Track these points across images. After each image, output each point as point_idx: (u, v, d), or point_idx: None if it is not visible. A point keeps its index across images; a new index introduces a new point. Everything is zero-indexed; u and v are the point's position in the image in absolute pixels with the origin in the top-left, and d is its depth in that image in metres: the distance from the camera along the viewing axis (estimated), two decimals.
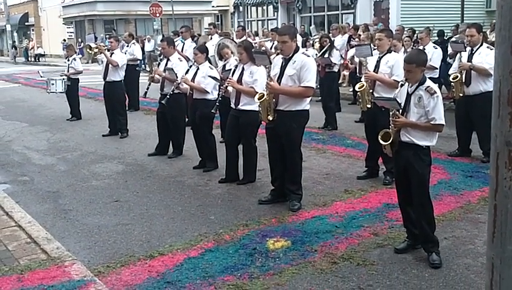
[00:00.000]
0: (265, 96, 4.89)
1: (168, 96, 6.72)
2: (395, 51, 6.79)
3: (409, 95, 3.81)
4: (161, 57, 7.35)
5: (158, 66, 7.23)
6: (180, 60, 7.25)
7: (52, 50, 36.82)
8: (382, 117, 5.25)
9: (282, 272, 3.72)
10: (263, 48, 10.41)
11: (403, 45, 7.11)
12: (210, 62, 6.66)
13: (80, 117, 10.58)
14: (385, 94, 5.26)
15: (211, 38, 10.69)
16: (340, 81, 11.81)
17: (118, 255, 4.08)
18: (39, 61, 33.76)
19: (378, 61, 5.65)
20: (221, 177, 5.98)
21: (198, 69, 6.38)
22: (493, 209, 1.64)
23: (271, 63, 5.06)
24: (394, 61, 5.54)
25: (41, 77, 11.92)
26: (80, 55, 18.70)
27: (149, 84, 7.49)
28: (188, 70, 6.59)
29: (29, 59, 35.30)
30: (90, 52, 9.03)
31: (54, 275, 3.58)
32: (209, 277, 3.68)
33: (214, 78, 6.13)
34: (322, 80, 9.11)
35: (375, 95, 5.52)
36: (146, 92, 7.78)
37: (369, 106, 5.65)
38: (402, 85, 3.89)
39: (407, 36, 9.52)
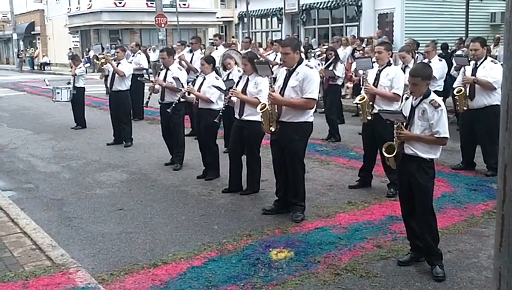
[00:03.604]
0: (267, 107, 4.93)
1: (173, 105, 6.77)
2: (404, 63, 6.84)
3: (413, 108, 3.83)
4: (161, 67, 7.43)
5: (158, 76, 7.31)
6: (180, 70, 7.33)
7: (57, 59, 37.12)
8: (380, 129, 5.30)
9: (285, 282, 3.73)
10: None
11: (412, 57, 7.14)
12: (217, 73, 6.72)
13: (85, 126, 10.65)
14: (386, 107, 5.31)
15: (217, 49, 10.77)
16: (343, 93, 11.85)
17: (121, 263, 4.09)
18: (44, 69, 34.03)
19: (378, 74, 5.71)
20: (224, 187, 6.00)
21: (204, 79, 6.44)
22: (500, 219, 1.66)
23: (272, 73, 5.11)
24: (394, 74, 5.60)
25: (47, 85, 12.02)
26: (88, 64, 18.83)
27: (150, 94, 7.58)
28: (195, 80, 6.66)
29: (35, 68, 35.58)
30: (98, 62, 9.11)
31: (59, 281, 3.59)
32: (212, 286, 3.69)
33: (219, 88, 6.18)
34: (326, 92, 9.15)
35: (376, 107, 5.58)
36: (147, 102, 7.93)
37: (369, 118, 5.70)
38: (407, 98, 3.92)
39: None
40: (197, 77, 6.79)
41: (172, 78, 6.91)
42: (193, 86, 6.54)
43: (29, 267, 3.82)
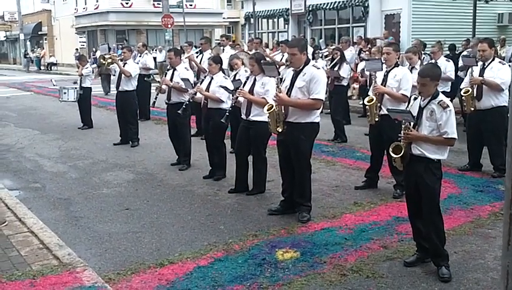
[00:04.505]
0: (274, 108, 4.93)
1: (184, 106, 6.75)
2: (410, 64, 6.81)
3: (421, 109, 3.82)
4: (168, 67, 7.45)
5: (165, 76, 7.33)
6: (187, 70, 7.34)
7: (64, 59, 37.32)
8: (388, 130, 5.29)
9: (291, 283, 3.73)
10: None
11: (419, 58, 7.13)
12: (224, 73, 6.73)
13: (92, 126, 10.69)
14: (393, 107, 5.29)
15: (223, 50, 10.78)
16: (349, 94, 11.82)
17: (128, 263, 4.11)
18: (51, 70, 34.21)
19: (386, 75, 5.70)
20: (230, 187, 6.01)
21: (212, 79, 6.45)
22: (508, 218, 1.67)
23: (279, 74, 5.11)
24: (402, 75, 5.59)
25: (54, 85, 12.10)
26: (94, 65, 18.94)
27: (157, 94, 7.61)
28: (203, 80, 6.68)
29: (41, 68, 35.79)
30: (104, 62, 9.15)
31: (66, 280, 3.62)
32: (219, 286, 3.70)
33: (226, 88, 6.19)
34: (331, 93, 9.14)
35: (383, 108, 5.57)
36: (154, 102, 7.96)
37: (377, 119, 5.69)
38: (415, 98, 3.91)
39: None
40: (205, 77, 6.80)
41: (181, 79, 6.91)
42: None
43: (36, 266, 3.84)
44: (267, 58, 8.41)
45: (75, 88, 10.67)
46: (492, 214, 5.05)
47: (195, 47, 10.94)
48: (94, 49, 29.50)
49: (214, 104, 6.36)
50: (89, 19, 33.50)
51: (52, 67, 34.82)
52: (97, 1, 32.88)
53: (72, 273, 3.71)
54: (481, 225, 4.82)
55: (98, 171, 7.17)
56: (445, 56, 9.10)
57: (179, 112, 6.77)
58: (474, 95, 6.35)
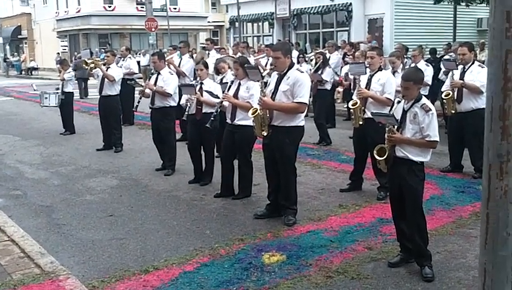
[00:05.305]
0: (258, 112, 4.94)
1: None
2: (393, 68, 6.91)
3: (404, 112, 3.88)
4: (152, 71, 7.41)
5: (149, 80, 7.28)
6: (171, 74, 7.31)
7: (45, 63, 36.82)
8: (372, 133, 5.35)
9: (277, 286, 3.73)
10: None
11: (401, 62, 7.22)
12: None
13: (74, 131, 10.56)
14: (377, 111, 5.35)
15: (209, 54, 10.77)
16: (335, 97, 11.89)
17: (112, 270, 4.06)
18: (32, 74, 33.70)
19: (370, 79, 5.76)
20: (216, 192, 6.00)
21: (202, 84, 6.39)
22: (485, 217, 1.73)
23: (263, 78, 5.12)
24: (385, 79, 5.66)
25: (34, 90, 11.93)
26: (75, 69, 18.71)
27: (140, 98, 7.54)
28: (197, 85, 6.63)
29: (22, 72, 35.24)
30: (86, 67, 9.05)
31: (48, 289, 3.56)
32: None
33: (211, 93, 6.17)
34: (315, 97, 9.20)
35: (367, 112, 5.63)
36: (137, 106, 7.89)
37: (361, 122, 5.75)
38: (399, 102, 3.97)
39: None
40: (196, 81, 6.75)
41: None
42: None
43: (17, 276, 3.77)
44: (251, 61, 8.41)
45: (57, 93, 10.53)
46: (473, 214, 5.14)
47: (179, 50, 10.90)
48: (76, 53, 29.17)
49: (209, 109, 6.27)
50: (71, 23, 33.13)
51: (33, 72, 34.31)
52: (79, 4, 32.55)
53: (54, 281, 3.66)
54: (462, 225, 4.89)
55: (80, 178, 7.08)
56: (426, 60, 9.24)
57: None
58: (455, 98, 6.46)
